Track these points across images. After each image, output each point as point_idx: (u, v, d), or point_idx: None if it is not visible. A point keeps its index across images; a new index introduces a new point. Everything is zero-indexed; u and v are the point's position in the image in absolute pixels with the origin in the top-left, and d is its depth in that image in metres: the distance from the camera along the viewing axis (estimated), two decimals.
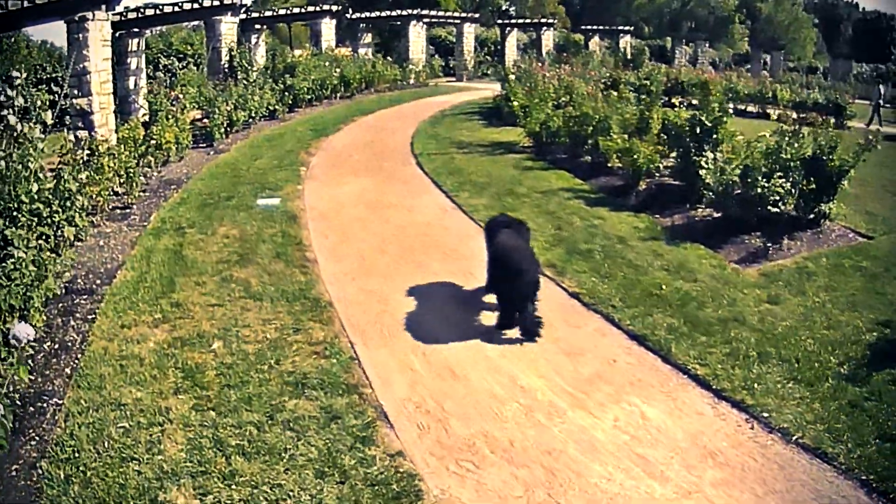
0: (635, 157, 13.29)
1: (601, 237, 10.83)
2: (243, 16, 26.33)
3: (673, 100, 25.01)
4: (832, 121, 16.34)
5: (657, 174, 13.65)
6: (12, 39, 32.23)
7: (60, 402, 6.27)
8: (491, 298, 8.06)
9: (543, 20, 46.63)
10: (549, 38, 44.86)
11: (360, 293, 8.65)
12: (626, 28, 51.27)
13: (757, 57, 51.94)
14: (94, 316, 8.05)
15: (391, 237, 10.81)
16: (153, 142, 14.48)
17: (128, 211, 12.23)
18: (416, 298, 8.47)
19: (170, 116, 17.36)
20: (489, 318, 7.93)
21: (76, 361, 6.98)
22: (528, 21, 47.25)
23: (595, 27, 50.23)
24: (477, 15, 43.93)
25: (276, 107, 22.75)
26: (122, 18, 23.94)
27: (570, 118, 16.23)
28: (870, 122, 26.48)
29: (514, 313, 7.22)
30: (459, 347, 7.34)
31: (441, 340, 7.46)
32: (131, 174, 12.55)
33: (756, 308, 8.30)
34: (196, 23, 44.73)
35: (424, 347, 7.35)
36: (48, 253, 8.33)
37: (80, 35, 15.36)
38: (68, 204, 9.85)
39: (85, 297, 8.77)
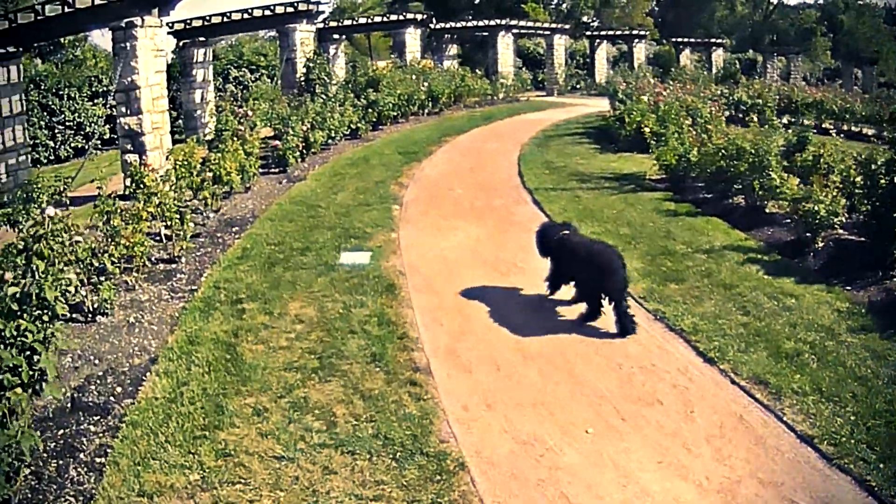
0: (814, 207, 9.75)
1: (803, 328, 7.38)
2: (320, 24, 23.54)
3: (783, 119, 21.78)
4: None
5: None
6: (77, 50, 30.34)
7: None
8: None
9: (635, 32, 43.07)
10: (640, 51, 41.52)
11: (509, 444, 5.43)
12: (718, 41, 47.18)
13: (848, 71, 47.46)
14: (101, 461, 5.03)
15: (531, 326, 7.52)
16: (210, 174, 11.50)
17: (173, 267, 9.32)
18: (612, 466, 5.15)
19: (236, 136, 14.52)
20: None
21: None
22: (618, 33, 43.62)
23: (686, 39, 46.33)
24: (568, 26, 40.45)
25: (359, 125, 19.84)
26: (187, 27, 21.53)
27: (718, 151, 12.73)
28: None
29: (601, 306, 7.31)
30: None
31: None
32: (181, 215, 9.57)
33: None
34: (269, 32, 42.52)
35: None
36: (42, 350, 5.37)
37: (128, 44, 12.72)
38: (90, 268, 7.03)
39: (96, 418, 5.77)
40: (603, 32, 42.54)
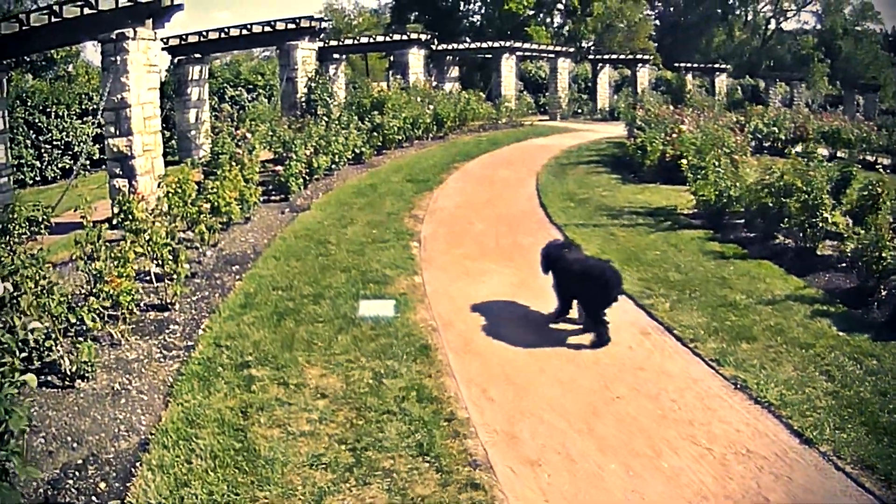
0: (879, 253, 8.59)
1: (894, 395, 6.30)
2: (320, 43, 22.29)
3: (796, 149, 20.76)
4: None
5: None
6: (70, 66, 29.04)
7: None
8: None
9: (639, 56, 42.12)
10: (644, 76, 40.45)
11: None
12: (722, 66, 46.24)
13: (850, 98, 46.72)
14: None
15: (597, 401, 6.24)
16: (206, 204, 10.20)
17: (166, 316, 7.98)
18: None
19: (234, 160, 13.26)
20: None
21: None
22: (622, 57, 42.62)
23: (689, 64, 45.38)
24: (572, 49, 39.44)
25: (363, 149, 18.56)
26: (182, 42, 20.27)
27: (764, 186, 11.55)
28: None
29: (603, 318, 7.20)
30: None
31: None
32: (175, 254, 8.25)
33: None
34: (266, 51, 41.25)
35: None
36: None
37: (118, 58, 11.48)
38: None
39: None
40: (606, 56, 41.48)
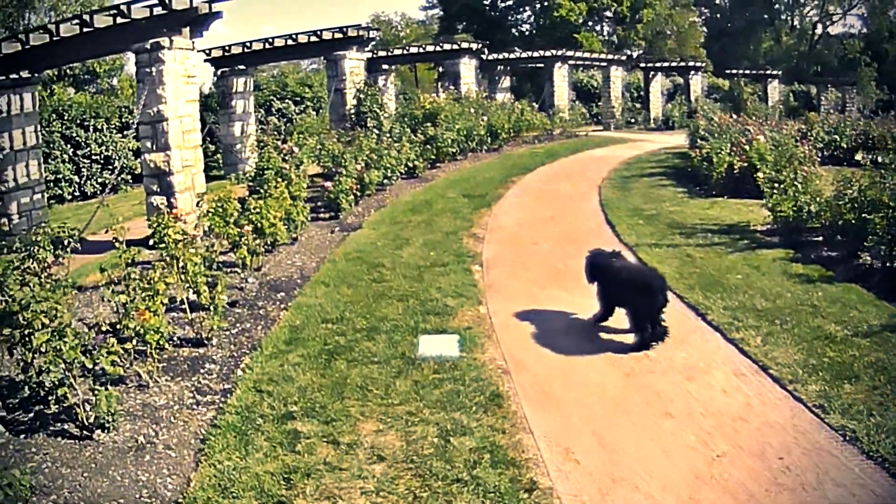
0: None
1: None
2: (369, 53, 21.48)
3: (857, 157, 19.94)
4: None
5: None
6: (114, 80, 28.72)
7: None
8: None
9: (691, 63, 40.67)
10: (697, 83, 39.04)
11: None
12: (774, 72, 44.52)
13: None
14: None
15: (695, 463, 5.32)
16: (249, 227, 9.31)
17: (201, 352, 7.06)
18: None
19: (281, 176, 12.43)
20: None
21: None
22: (674, 64, 41.18)
23: (740, 71, 43.77)
24: (625, 57, 38.17)
25: (416, 163, 17.66)
26: (225, 53, 19.60)
27: (849, 202, 10.34)
28: None
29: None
30: None
31: None
32: (212, 283, 7.36)
33: None
34: (314, 63, 40.76)
35: None
36: None
37: (154, 68, 10.68)
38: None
39: None
40: (657, 64, 40.10)
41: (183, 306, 7.55)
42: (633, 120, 36.90)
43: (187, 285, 7.46)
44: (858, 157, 20.95)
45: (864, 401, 5.95)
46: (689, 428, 5.66)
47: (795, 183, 12.05)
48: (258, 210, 9.81)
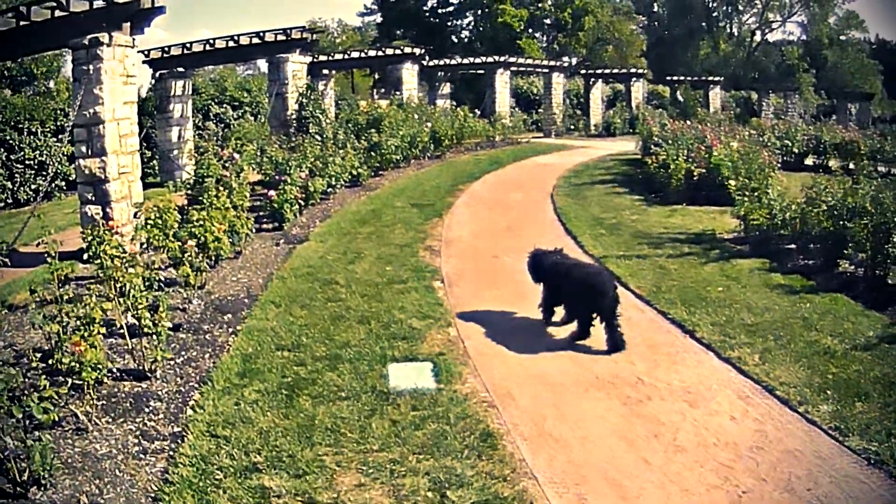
0: None
1: None
2: (311, 57, 20.69)
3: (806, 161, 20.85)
4: None
5: None
6: (51, 82, 27.27)
7: None
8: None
9: (633, 70, 40.92)
10: (638, 90, 39.29)
11: None
12: (715, 79, 45.18)
13: (843, 108, 45.87)
14: None
15: None
16: (192, 241, 8.51)
17: (144, 388, 6.25)
18: None
19: (221, 185, 11.64)
20: None
21: None
22: (615, 71, 41.34)
23: (681, 78, 44.29)
24: (567, 64, 38.08)
25: (360, 170, 16.93)
26: (164, 55, 18.57)
27: (829, 209, 10.14)
28: None
29: (591, 327, 7.19)
30: None
31: None
32: (154, 308, 6.57)
33: None
34: (249, 69, 39.63)
35: None
36: None
37: (91, 66, 9.72)
38: None
39: None
40: (598, 71, 40.17)
41: (121, 331, 6.71)
42: (573, 127, 36.83)
43: (125, 309, 6.63)
44: (808, 161, 21.14)
45: (879, 420, 5.58)
46: (706, 462, 5.13)
47: (767, 190, 11.84)
48: (201, 223, 8.99)
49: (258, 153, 15.67)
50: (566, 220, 13.77)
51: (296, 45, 18.88)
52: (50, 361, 5.65)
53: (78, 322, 5.82)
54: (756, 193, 11.79)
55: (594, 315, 7.24)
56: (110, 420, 5.71)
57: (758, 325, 7.75)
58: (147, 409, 5.90)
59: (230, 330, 7.67)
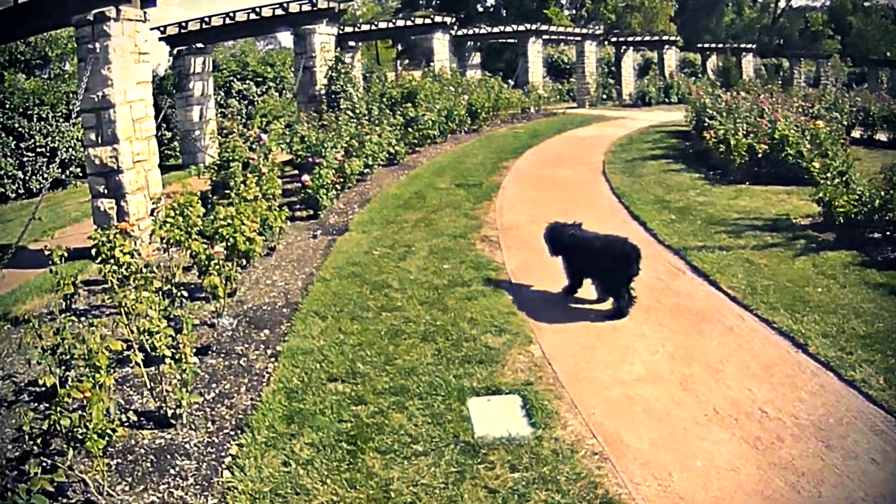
0: None
1: None
2: (337, 29, 19.30)
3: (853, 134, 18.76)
4: None
5: None
6: (66, 64, 26.12)
7: None
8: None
9: (665, 38, 39.07)
10: (671, 58, 37.65)
11: None
12: (749, 46, 43.24)
13: (874, 75, 43.89)
14: None
15: None
16: (220, 246, 7.20)
17: (168, 439, 4.98)
18: None
19: (249, 169, 10.43)
20: None
21: None
22: (646, 39, 39.49)
23: (712, 46, 42.45)
24: (600, 32, 36.31)
25: (397, 148, 15.56)
26: (182, 30, 17.25)
27: None
28: None
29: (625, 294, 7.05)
30: None
31: None
32: (177, 348, 5.29)
33: None
34: (270, 44, 38.28)
35: None
36: None
37: (97, 44, 8.44)
38: None
39: None
40: (630, 39, 38.35)
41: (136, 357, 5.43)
42: (605, 96, 35.19)
43: (139, 336, 5.34)
44: (855, 133, 19.64)
45: None
46: None
47: (850, 171, 10.42)
48: (229, 221, 7.67)
49: (286, 131, 14.39)
50: (628, 201, 12.38)
51: (322, 16, 17.46)
52: (51, 417, 4.39)
53: (84, 364, 4.55)
54: (845, 177, 10.30)
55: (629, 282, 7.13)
56: (126, 487, 4.48)
57: (872, 337, 6.44)
58: (171, 471, 4.66)
59: (268, 352, 6.40)
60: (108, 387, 4.51)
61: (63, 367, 5.00)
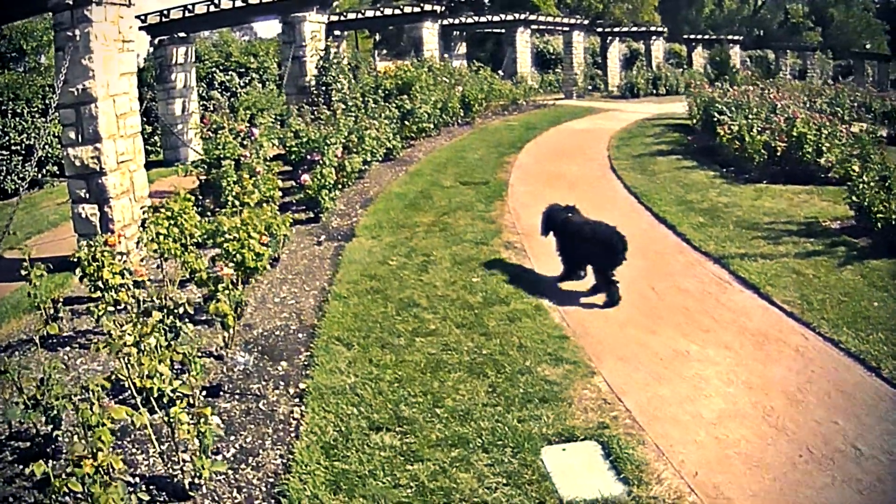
0: None
1: None
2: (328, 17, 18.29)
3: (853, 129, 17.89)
4: None
5: None
6: (41, 57, 24.85)
7: None
8: None
9: (652, 28, 38.47)
10: (658, 49, 37.09)
11: None
12: (736, 38, 42.85)
13: (860, 68, 43.69)
14: None
15: None
16: (228, 269, 6.17)
17: None
18: None
19: (242, 167, 9.53)
20: None
21: None
22: (633, 29, 38.86)
23: (698, 37, 42.06)
24: (587, 21, 35.55)
25: (394, 142, 14.66)
26: (163, 19, 16.14)
27: None
28: None
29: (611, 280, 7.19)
30: None
31: None
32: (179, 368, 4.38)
33: None
34: (245, 35, 37.08)
35: None
36: None
37: (77, 31, 7.40)
38: None
39: None
40: (616, 29, 37.68)
41: (142, 419, 4.48)
42: (592, 87, 34.50)
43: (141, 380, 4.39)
44: (855, 129, 19.07)
45: None
46: None
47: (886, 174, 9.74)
48: (235, 234, 6.68)
49: (275, 123, 13.43)
50: (648, 201, 11.60)
51: (312, 2, 16.43)
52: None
53: (81, 423, 3.61)
54: (888, 182, 9.55)
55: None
56: None
57: None
58: None
59: (290, 391, 5.47)
60: (113, 467, 3.54)
61: (51, 424, 4.06)
